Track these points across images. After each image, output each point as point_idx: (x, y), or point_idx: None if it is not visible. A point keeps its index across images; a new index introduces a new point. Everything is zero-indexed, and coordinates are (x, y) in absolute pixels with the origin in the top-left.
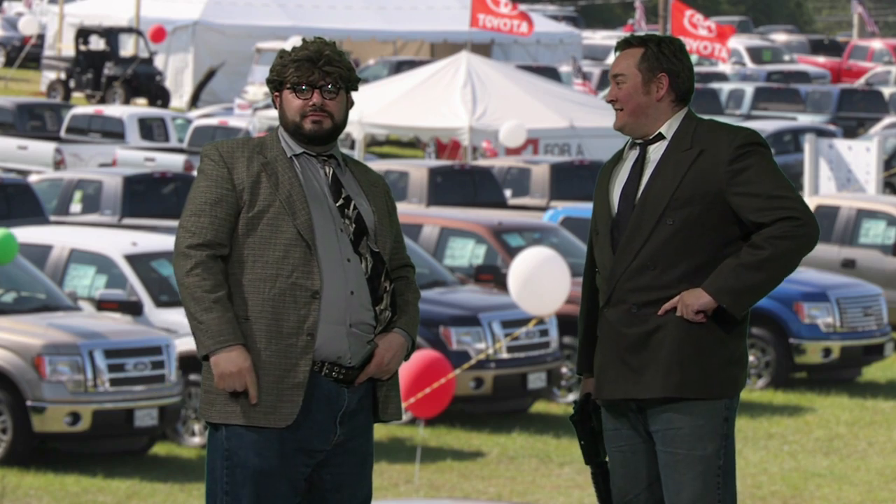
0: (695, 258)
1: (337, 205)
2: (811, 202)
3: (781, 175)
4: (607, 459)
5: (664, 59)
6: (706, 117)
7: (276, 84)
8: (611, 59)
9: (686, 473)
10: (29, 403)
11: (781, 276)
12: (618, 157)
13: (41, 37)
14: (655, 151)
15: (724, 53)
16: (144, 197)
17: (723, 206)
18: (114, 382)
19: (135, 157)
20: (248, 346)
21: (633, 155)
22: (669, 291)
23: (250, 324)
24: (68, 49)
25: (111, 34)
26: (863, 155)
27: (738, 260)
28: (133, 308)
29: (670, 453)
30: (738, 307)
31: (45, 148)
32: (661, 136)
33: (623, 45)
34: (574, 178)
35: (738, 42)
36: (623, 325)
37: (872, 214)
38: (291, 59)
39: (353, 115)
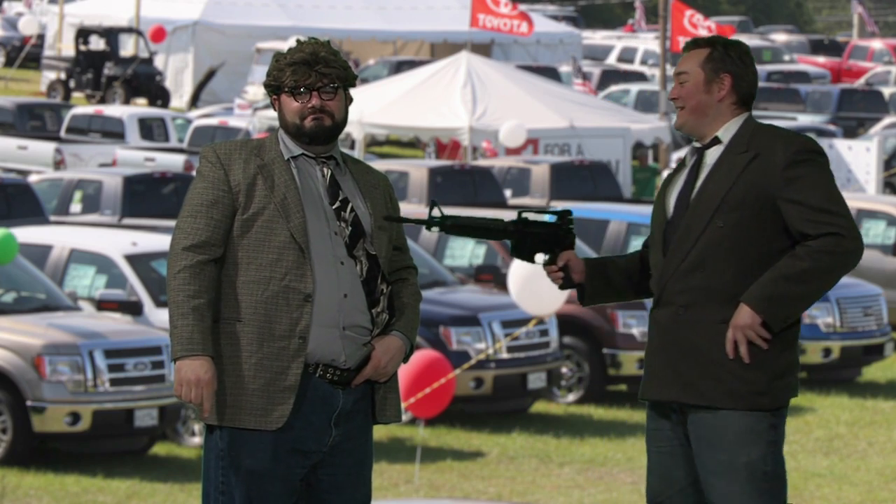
0: (744, 261)
1: (333, 207)
2: None
3: (834, 188)
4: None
5: (729, 60)
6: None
7: (273, 88)
8: (611, 59)
9: (729, 480)
10: (29, 403)
11: (821, 290)
12: (681, 165)
13: (41, 37)
14: (711, 155)
15: None
16: (144, 197)
17: (774, 211)
18: (114, 382)
19: (135, 157)
20: (240, 348)
21: (691, 160)
22: (718, 293)
23: (242, 325)
24: (68, 49)
25: (111, 34)
26: (863, 155)
27: (777, 271)
28: (133, 308)
29: (712, 458)
30: (775, 317)
31: (45, 148)
32: (717, 140)
33: (691, 45)
34: (574, 178)
35: None
36: (671, 326)
37: (872, 214)
38: (287, 62)
39: (353, 115)
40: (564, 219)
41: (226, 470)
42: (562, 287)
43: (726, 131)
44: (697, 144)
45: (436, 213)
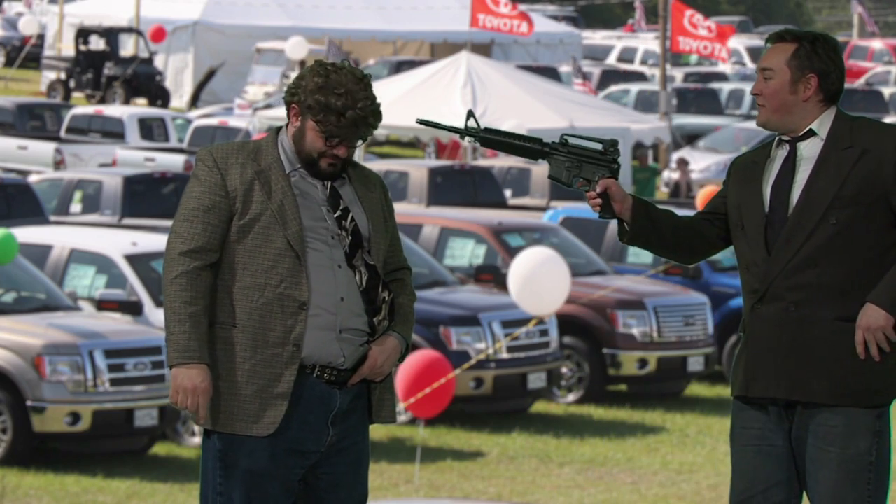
0: (856, 257)
1: (335, 216)
2: None
3: None
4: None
5: (816, 58)
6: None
7: (303, 108)
8: (611, 59)
9: (837, 471)
10: (29, 403)
11: None
12: (765, 154)
13: (41, 37)
14: (808, 149)
15: (724, 53)
16: (144, 197)
17: (885, 207)
18: (114, 382)
19: (135, 157)
20: (233, 353)
21: (782, 152)
22: (829, 290)
23: (237, 331)
24: (68, 49)
25: (111, 34)
26: None
27: None
28: (133, 308)
29: (822, 450)
30: None
31: (45, 148)
32: (811, 133)
33: (776, 38)
34: None
35: (738, 42)
36: (778, 323)
37: None
38: (337, 110)
39: None
40: (609, 148)
41: (223, 471)
42: (601, 215)
43: (820, 125)
44: (786, 137)
45: (472, 123)
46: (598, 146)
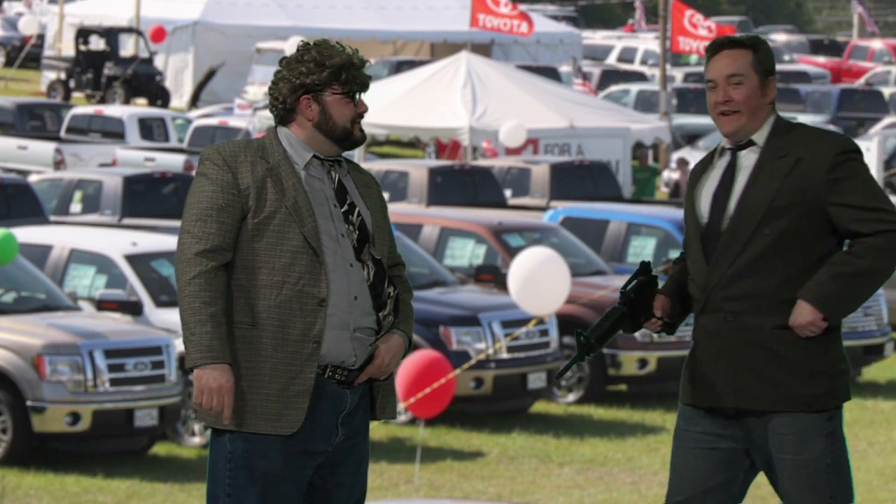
0: (792, 266)
1: (342, 210)
2: None
3: (877, 185)
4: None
5: (768, 61)
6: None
7: (310, 88)
8: (611, 59)
9: (794, 477)
10: (29, 403)
11: (876, 287)
12: (707, 163)
13: (41, 37)
14: (747, 158)
15: None
16: (144, 197)
17: (821, 215)
18: (114, 382)
19: (135, 157)
20: (254, 352)
21: (722, 161)
22: (766, 299)
23: (257, 330)
24: (68, 49)
25: (111, 34)
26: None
27: (835, 268)
28: (133, 308)
29: (779, 458)
30: (837, 315)
31: (45, 148)
32: (751, 142)
33: (726, 45)
34: (574, 178)
35: None
36: (718, 334)
37: None
38: (346, 63)
39: None
40: (643, 278)
41: (235, 472)
42: (661, 330)
43: (760, 133)
44: (727, 145)
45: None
46: (635, 281)
